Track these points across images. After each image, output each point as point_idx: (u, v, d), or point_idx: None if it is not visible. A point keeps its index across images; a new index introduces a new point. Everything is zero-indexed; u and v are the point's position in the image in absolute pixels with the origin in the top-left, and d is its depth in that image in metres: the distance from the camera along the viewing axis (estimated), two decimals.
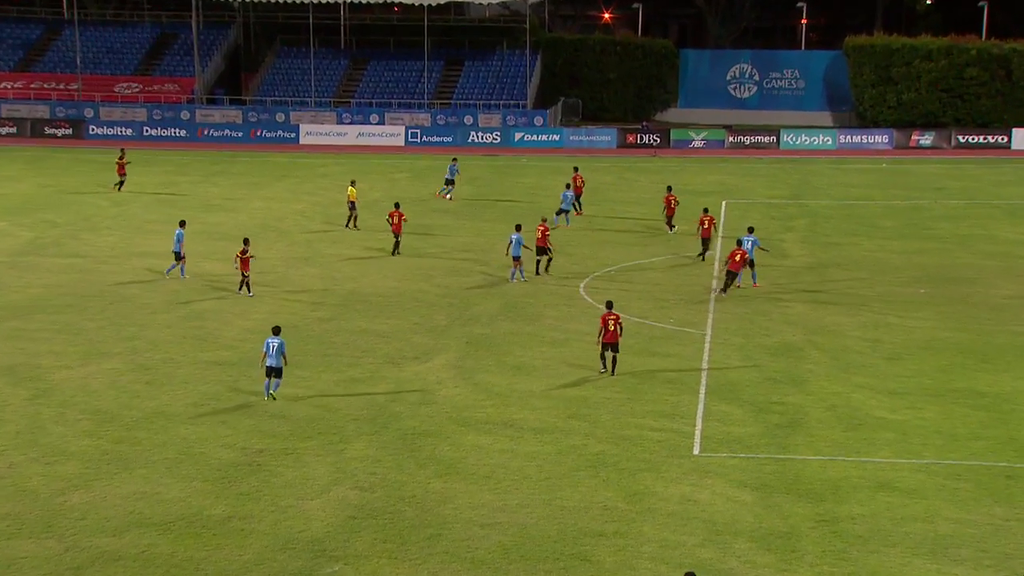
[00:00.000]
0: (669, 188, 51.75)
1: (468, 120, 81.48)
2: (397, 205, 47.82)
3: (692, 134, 79.79)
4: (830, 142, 78.27)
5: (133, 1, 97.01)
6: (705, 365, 32.81)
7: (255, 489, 24.35)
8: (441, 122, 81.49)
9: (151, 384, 30.88)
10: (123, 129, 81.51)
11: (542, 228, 42.84)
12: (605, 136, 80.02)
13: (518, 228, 42.46)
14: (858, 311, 38.35)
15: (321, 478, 24.94)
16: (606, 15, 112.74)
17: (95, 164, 68.88)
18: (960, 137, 77.40)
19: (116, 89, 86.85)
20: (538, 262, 42.72)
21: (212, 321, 36.87)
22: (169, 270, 42.32)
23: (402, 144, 79.32)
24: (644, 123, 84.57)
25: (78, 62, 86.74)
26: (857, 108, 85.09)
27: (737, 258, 39.89)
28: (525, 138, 79.51)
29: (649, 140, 79.21)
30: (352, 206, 51.38)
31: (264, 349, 29.63)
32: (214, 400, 29.69)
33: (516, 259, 41.63)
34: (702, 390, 30.71)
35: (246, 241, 39.91)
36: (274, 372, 29.47)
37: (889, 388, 30.97)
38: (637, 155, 75.97)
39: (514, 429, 27.91)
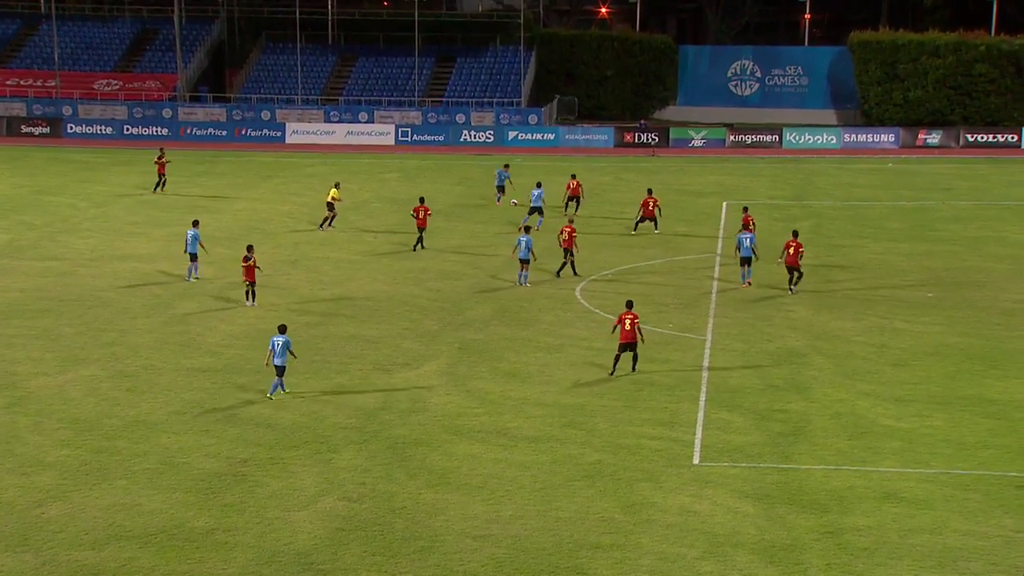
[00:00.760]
0: (649, 191, 51.19)
1: (460, 119, 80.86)
2: (422, 200, 47.80)
3: (692, 133, 79.18)
4: (834, 141, 77.67)
5: None
6: (705, 371, 32.30)
7: (239, 500, 23.92)
8: (432, 121, 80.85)
9: (132, 392, 30.30)
10: (103, 128, 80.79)
11: (569, 229, 42.28)
12: (602, 135, 79.40)
13: (526, 230, 41.69)
14: (863, 315, 37.78)
15: (308, 489, 24.54)
16: (603, 10, 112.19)
17: (73, 164, 68.36)
18: (968, 136, 76.83)
19: (95, 86, 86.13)
20: (563, 264, 42.26)
21: (195, 326, 36.29)
22: (190, 274, 41.58)
23: (392, 143, 78.69)
24: (642, 122, 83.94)
25: (56, 58, 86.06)
26: (862, 106, 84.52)
27: (791, 251, 39.49)
28: (519, 137, 78.89)
29: (647, 139, 78.57)
30: (331, 207, 51.00)
31: (270, 347, 29.57)
32: (197, 408, 29.17)
33: (523, 262, 40.90)
34: (702, 397, 30.24)
35: (249, 248, 38.32)
36: (283, 371, 29.57)
37: (895, 395, 30.44)
38: (635, 155, 75.37)
39: (508, 438, 27.49)
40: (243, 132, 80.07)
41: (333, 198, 51.14)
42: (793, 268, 40.00)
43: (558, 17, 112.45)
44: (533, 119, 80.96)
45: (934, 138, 76.91)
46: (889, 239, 49.51)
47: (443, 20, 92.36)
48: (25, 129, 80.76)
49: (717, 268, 43.97)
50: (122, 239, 49.04)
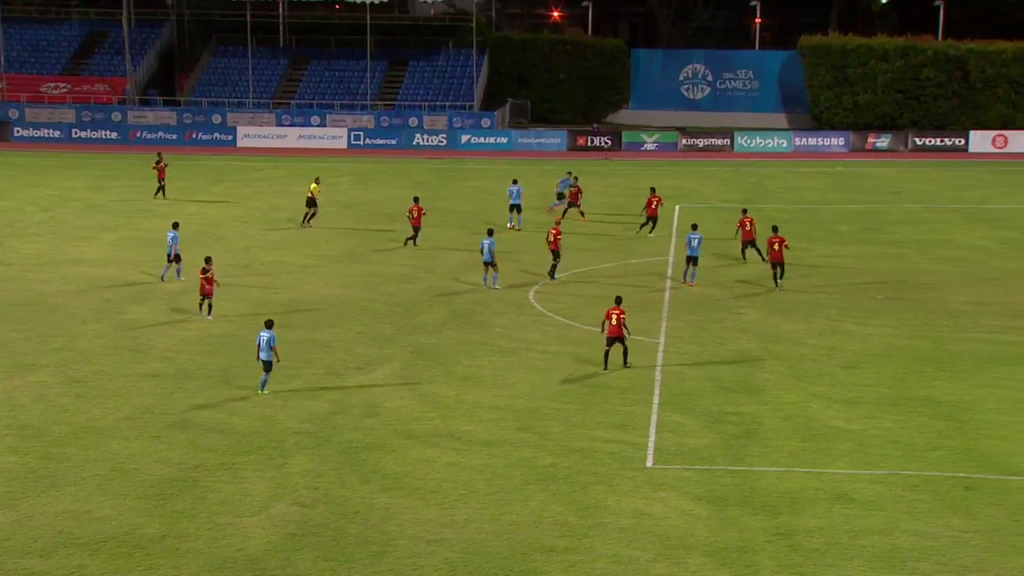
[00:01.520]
0: (652, 189, 51.82)
1: (413, 122, 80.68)
2: (416, 200, 48.49)
3: (644, 136, 79.45)
4: (785, 145, 78.18)
5: None
6: (658, 374, 32.31)
7: (191, 506, 23.69)
8: (385, 124, 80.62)
9: (81, 397, 29.94)
10: (50, 131, 79.93)
11: (554, 232, 42.34)
12: (555, 138, 79.49)
13: (490, 233, 41.78)
14: (814, 318, 38.00)
15: (260, 494, 24.34)
16: (555, 14, 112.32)
17: (20, 168, 67.59)
18: (917, 140, 77.54)
19: (43, 89, 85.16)
20: (554, 265, 42.40)
21: (146, 331, 35.94)
22: (165, 273, 41.69)
23: (345, 147, 78.37)
24: (595, 125, 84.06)
25: (2, 61, 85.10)
26: (812, 110, 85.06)
27: (776, 247, 40.46)
28: (472, 140, 78.82)
29: (600, 142, 78.70)
30: (311, 202, 51.22)
31: (257, 342, 29.92)
32: (148, 414, 28.86)
33: (487, 265, 40.88)
34: (655, 400, 30.26)
35: (208, 260, 37.56)
36: (270, 366, 29.85)
37: (846, 397, 30.61)
38: (588, 158, 75.47)
39: (462, 442, 27.40)
40: (194, 136, 79.44)
41: (313, 193, 51.50)
42: (777, 263, 40.92)
43: (510, 21, 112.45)
44: (486, 123, 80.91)
45: (883, 142, 77.57)
46: (839, 242, 49.84)
47: (395, 24, 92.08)
48: None
49: (670, 271, 44.10)
50: (71, 243, 48.51)
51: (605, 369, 32.26)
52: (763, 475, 25.60)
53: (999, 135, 77.13)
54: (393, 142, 78.85)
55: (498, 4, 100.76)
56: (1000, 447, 27.27)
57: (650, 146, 78.58)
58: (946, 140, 77.49)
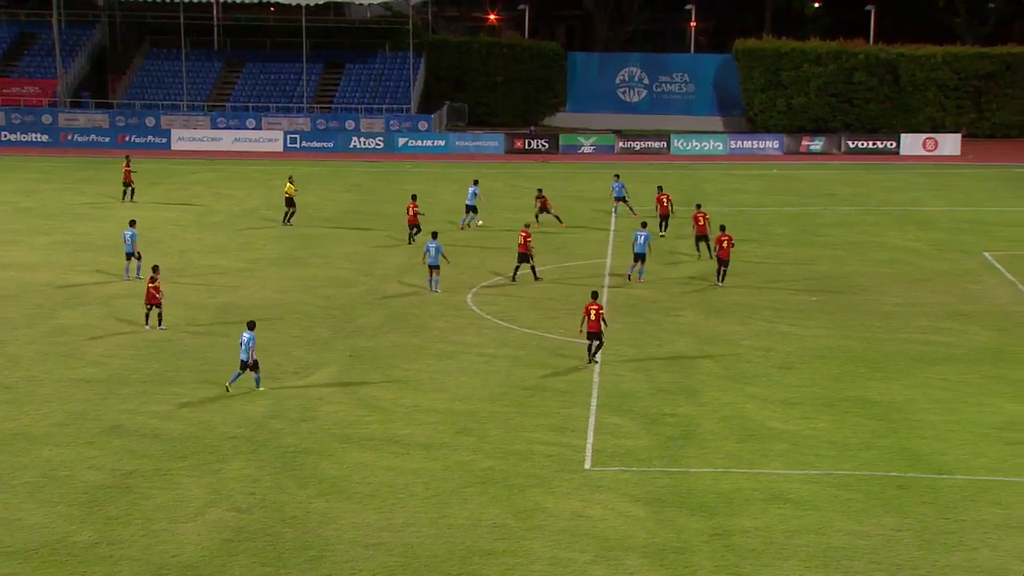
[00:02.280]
0: (660, 188, 52.35)
1: (350, 125, 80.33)
2: (414, 197, 49.91)
3: (581, 139, 79.68)
4: (720, 147, 78.71)
5: None
6: (596, 377, 32.40)
7: (124, 513, 23.42)
8: (321, 127, 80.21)
9: (11, 404, 29.50)
10: None
11: (524, 234, 42.41)
12: (492, 141, 79.52)
13: (434, 235, 41.69)
14: (750, 319, 38.28)
15: (196, 500, 24.14)
16: (492, 17, 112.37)
17: None
18: (850, 143, 78.38)
19: None
20: (516, 268, 42.57)
21: (77, 336, 35.47)
22: (128, 272, 41.76)
23: (281, 150, 77.86)
24: (531, 128, 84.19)
25: None
26: (747, 113, 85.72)
27: (724, 244, 41.80)
28: (409, 143, 78.64)
29: (537, 146, 78.84)
30: (290, 202, 51.98)
31: (239, 342, 30.49)
32: (80, 420, 28.49)
33: (432, 268, 40.78)
34: (593, 403, 30.33)
35: (155, 269, 36.93)
36: (248, 366, 30.29)
37: (782, 398, 30.86)
38: (526, 161, 75.56)
39: (400, 445, 27.30)
40: (127, 138, 78.52)
41: (290, 193, 52.05)
42: (723, 261, 41.99)
43: (447, 24, 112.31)
44: (423, 126, 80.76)
45: (817, 144, 78.34)
46: (775, 244, 50.26)
47: (331, 26, 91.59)
48: None
49: (608, 273, 44.25)
50: (1, 248, 47.75)
51: (590, 362, 33.08)
52: (700, 476, 25.75)
53: (929, 138, 78.20)
54: (330, 145, 78.47)
55: (435, 7, 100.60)
56: (931, 446, 27.64)
57: (587, 149, 78.82)
58: (878, 143, 78.44)
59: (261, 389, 30.67)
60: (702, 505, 24.23)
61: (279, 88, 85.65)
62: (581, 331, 33.26)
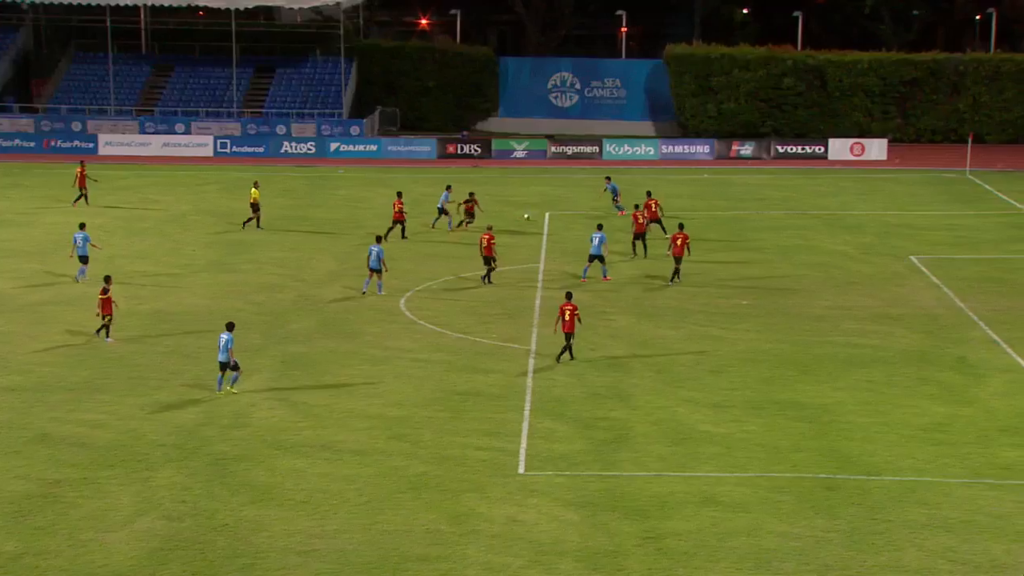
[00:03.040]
0: (648, 193, 52.80)
1: (281, 130, 79.72)
2: (399, 194, 51.17)
3: (514, 144, 79.70)
4: (652, 152, 79.06)
5: None
6: (530, 381, 32.46)
7: (51, 523, 23.14)
8: (252, 132, 79.53)
9: None
10: None
11: (487, 236, 43.00)
12: (425, 146, 79.30)
13: (378, 240, 41.88)
14: (682, 324, 38.51)
15: (125, 508, 23.92)
16: (423, 21, 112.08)
17: None
18: (779, 147, 79.04)
19: None
20: (490, 270, 43.14)
21: (3, 344, 34.98)
22: (80, 275, 41.89)
23: (211, 155, 77.04)
24: (464, 133, 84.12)
25: None
26: (678, 118, 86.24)
27: (679, 243, 42.81)
28: (341, 148, 78.17)
29: (470, 150, 78.80)
30: (255, 207, 52.19)
31: (218, 343, 30.61)
32: (6, 429, 28.10)
33: (373, 271, 40.95)
34: (527, 407, 30.39)
35: (107, 279, 36.29)
36: (226, 367, 30.42)
37: (713, 401, 31.07)
38: (458, 166, 75.50)
39: (332, 451, 27.19)
40: (53, 143, 77.26)
41: (254, 199, 52.32)
42: (679, 259, 43.07)
43: (378, 28, 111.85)
44: (355, 130, 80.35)
45: (747, 149, 78.96)
46: (706, 248, 50.53)
47: (261, 31, 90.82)
48: None
49: (541, 278, 44.31)
50: None
51: (572, 359, 33.83)
52: (633, 480, 25.89)
53: (856, 143, 79.08)
54: (260, 150, 77.76)
55: (366, 11, 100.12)
56: (860, 448, 28.00)
57: (519, 154, 78.88)
58: (807, 148, 79.19)
59: (235, 391, 30.75)
60: (635, 509, 24.35)
61: (209, 93, 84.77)
62: (556, 331, 33.83)
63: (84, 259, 42.35)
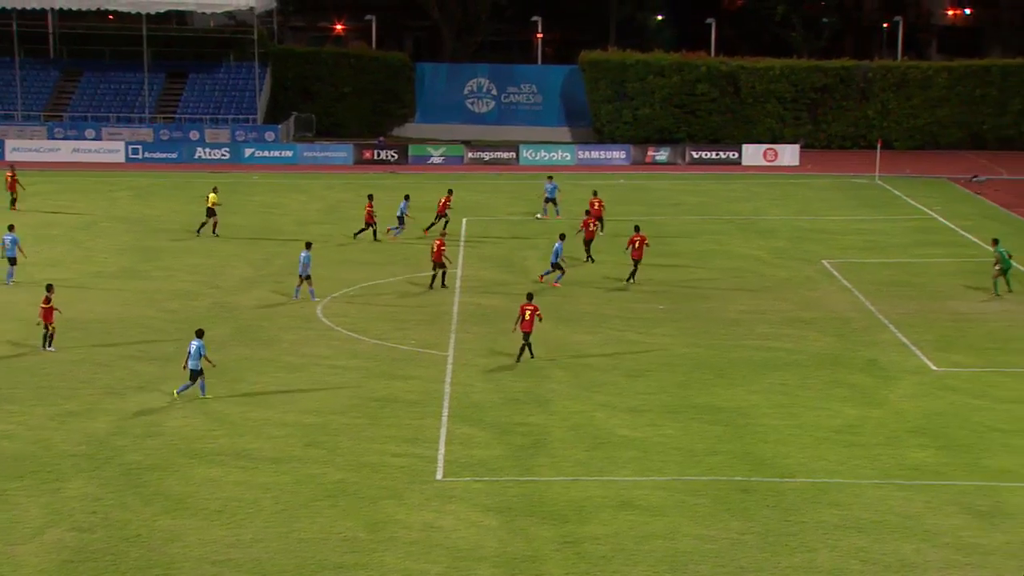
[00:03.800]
0: (595, 192, 53.87)
1: (194, 135, 78.79)
2: (370, 197, 51.82)
3: (431, 150, 79.57)
4: (568, 158, 79.35)
5: None
6: (447, 387, 32.39)
7: None
8: (165, 137, 78.50)
9: None
10: None
11: (438, 242, 43.52)
12: (341, 152, 78.85)
13: (307, 246, 41.71)
14: (599, 328, 38.67)
15: (33, 520, 23.52)
16: (339, 27, 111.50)
17: None
18: (694, 153, 79.74)
19: None
20: (433, 276, 43.25)
21: None
22: (10, 277, 41.95)
23: (122, 161, 75.90)
24: (380, 139, 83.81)
25: None
26: (594, 123, 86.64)
27: (637, 244, 44.02)
28: (256, 154, 77.45)
29: (387, 156, 78.52)
30: (210, 212, 51.61)
31: (187, 350, 30.61)
32: None
33: (304, 278, 40.92)
34: (445, 413, 30.33)
35: (49, 288, 35.72)
36: (197, 376, 30.46)
37: (630, 405, 31.24)
38: (375, 171, 75.21)
39: (248, 459, 26.93)
40: None
41: (213, 203, 51.74)
42: (637, 261, 44.12)
43: (293, 34, 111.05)
44: (270, 136, 79.65)
45: (662, 155, 79.56)
46: (623, 254, 50.77)
47: (173, 35, 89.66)
48: None
49: (458, 284, 44.26)
50: None
51: (532, 357, 34.40)
52: (551, 485, 25.96)
53: (769, 149, 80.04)
54: (173, 156, 76.79)
55: (280, 16, 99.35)
56: (774, 450, 28.33)
57: (436, 160, 78.77)
58: (720, 153, 79.97)
59: (208, 397, 30.70)
60: (553, 513, 24.42)
61: (120, 98, 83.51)
62: (514, 330, 34.45)
63: (12, 260, 42.25)
